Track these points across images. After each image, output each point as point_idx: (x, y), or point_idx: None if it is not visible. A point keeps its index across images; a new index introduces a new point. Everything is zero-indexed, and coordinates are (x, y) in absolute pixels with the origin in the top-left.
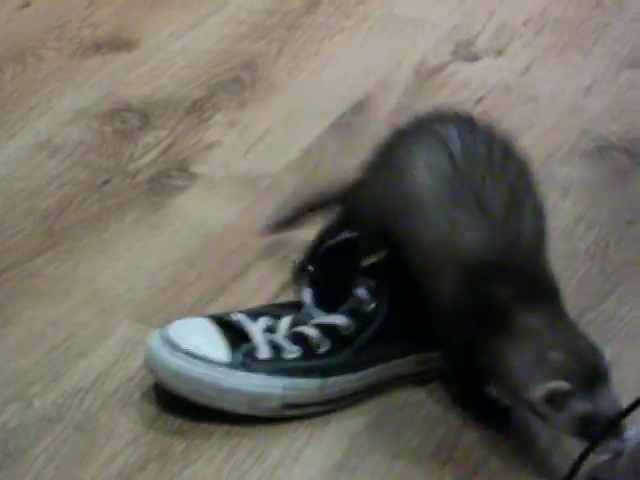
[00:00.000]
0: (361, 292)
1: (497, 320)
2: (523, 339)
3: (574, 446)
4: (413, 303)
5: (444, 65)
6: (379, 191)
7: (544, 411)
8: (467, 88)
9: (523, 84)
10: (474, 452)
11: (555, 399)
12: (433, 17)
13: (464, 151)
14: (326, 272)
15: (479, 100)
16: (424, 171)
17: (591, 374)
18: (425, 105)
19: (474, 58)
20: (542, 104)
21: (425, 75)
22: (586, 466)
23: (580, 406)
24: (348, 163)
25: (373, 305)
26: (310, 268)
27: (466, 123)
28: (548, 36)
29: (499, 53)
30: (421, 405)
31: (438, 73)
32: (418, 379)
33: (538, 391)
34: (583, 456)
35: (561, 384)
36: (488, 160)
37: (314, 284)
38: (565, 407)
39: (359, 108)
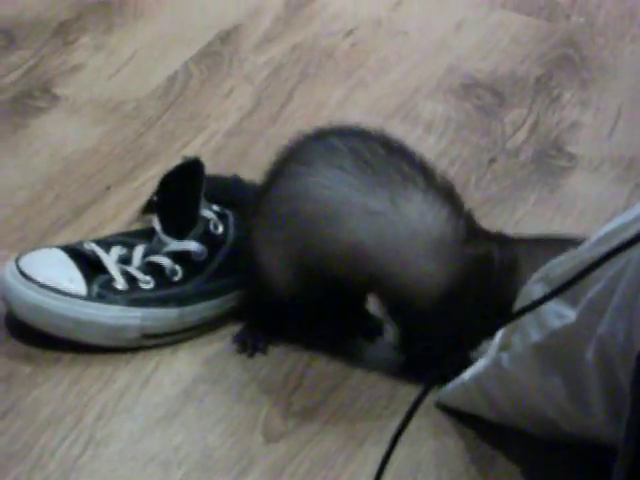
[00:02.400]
0: (207, 213)
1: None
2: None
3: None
4: None
5: None
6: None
7: None
8: (337, 21)
9: (393, 18)
10: (322, 383)
11: None
12: None
13: (363, 152)
14: (170, 198)
15: (349, 33)
16: (331, 180)
17: None
18: (294, 36)
19: None
20: (411, 39)
21: (295, 6)
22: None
23: None
24: (213, 92)
25: (221, 228)
26: (155, 197)
27: (356, 132)
28: None
29: None
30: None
31: (308, 4)
32: None
33: None
34: (428, 387)
35: None
36: (387, 150)
37: (161, 211)
38: None
39: (227, 37)
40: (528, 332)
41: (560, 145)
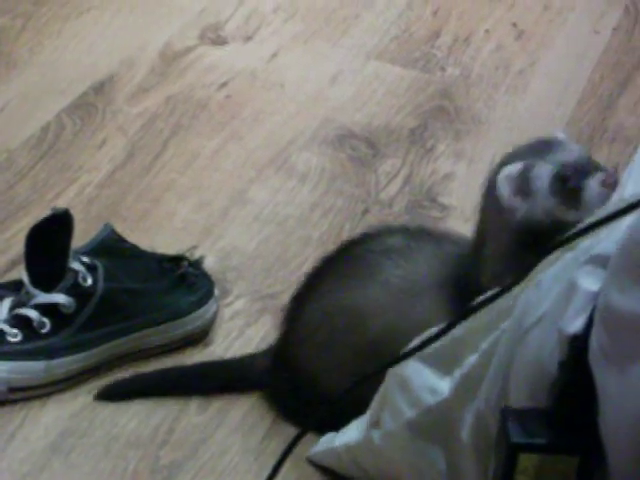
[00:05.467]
0: (76, 265)
1: None
2: None
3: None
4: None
5: (190, 48)
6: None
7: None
8: (212, 72)
9: (269, 70)
10: (191, 436)
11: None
12: (182, 0)
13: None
14: (38, 249)
15: (223, 85)
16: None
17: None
18: (169, 87)
19: (222, 42)
20: (287, 91)
21: (170, 57)
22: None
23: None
24: (86, 143)
25: (90, 280)
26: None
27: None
28: (297, 24)
29: (247, 39)
30: None
31: (184, 56)
32: (142, 356)
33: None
34: (293, 443)
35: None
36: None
37: (29, 263)
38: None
39: (101, 88)
40: (400, 409)
41: (433, 196)
